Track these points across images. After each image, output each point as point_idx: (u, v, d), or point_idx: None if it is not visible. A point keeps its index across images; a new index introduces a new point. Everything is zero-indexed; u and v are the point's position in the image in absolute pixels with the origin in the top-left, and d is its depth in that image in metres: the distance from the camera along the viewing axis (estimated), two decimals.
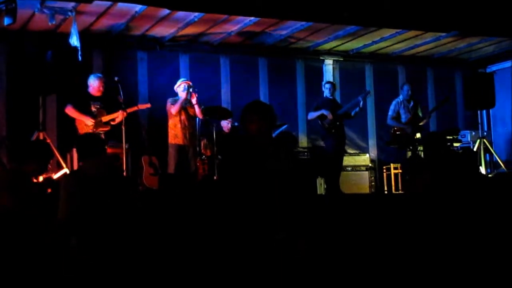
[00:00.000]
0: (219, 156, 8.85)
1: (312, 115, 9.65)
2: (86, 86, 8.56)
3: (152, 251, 4.88)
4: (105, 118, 8.42)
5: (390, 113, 9.95)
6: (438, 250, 4.66)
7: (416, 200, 5.55)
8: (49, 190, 5.65)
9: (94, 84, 8.51)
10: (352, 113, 9.57)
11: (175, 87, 8.99)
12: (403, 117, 9.85)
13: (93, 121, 8.29)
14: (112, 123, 8.48)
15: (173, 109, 8.78)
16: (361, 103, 9.48)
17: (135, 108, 8.64)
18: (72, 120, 8.44)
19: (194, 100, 8.75)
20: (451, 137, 9.72)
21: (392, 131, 9.84)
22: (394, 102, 9.98)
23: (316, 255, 4.56)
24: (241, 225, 4.24)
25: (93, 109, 8.42)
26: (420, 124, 9.88)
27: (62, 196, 4.81)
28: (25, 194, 5.10)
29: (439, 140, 7.53)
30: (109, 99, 8.55)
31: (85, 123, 8.29)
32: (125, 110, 8.32)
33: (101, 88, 8.52)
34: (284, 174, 4.47)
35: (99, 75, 8.68)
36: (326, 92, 9.74)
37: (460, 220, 4.71)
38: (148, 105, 8.99)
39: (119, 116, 8.37)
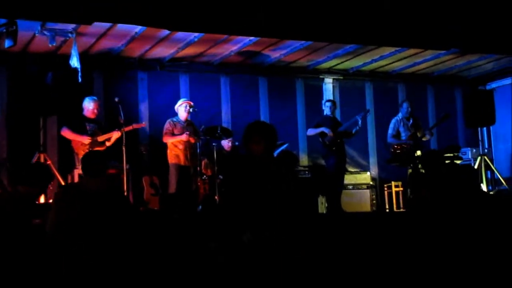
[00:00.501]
0: (220, 176, 8.84)
1: (312, 131, 9.66)
2: (81, 108, 8.59)
3: (153, 270, 4.86)
4: (100, 138, 8.44)
5: (390, 131, 9.95)
6: (439, 267, 4.64)
7: (418, 218, 5.53)
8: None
9: (89, 107, 8.55)
10: (353, 131, 9.58)
11: (176, 106, 9.02)
12: (403, 135, 9.84)
13: (90, 139, 8.29)
14: (107, 143, 8.50)
15: (164, 139, 8.80)
16: (360, 122, 9.49)
17: (130, 128, 8.60)
18: (69, 141, 8.44)
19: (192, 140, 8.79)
20: (451, 155, 9.71)
21: (392, 149, 9.82)
22: (393, 120, 9.99)
23: (318, 274, 4.54)
24: (241, 244, 4.23)
25: (88, 128, 8.45)
26: (423, 139, 9.88)
27: (52, 208, 4.80)
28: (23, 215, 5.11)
29: (438, 158, 7.54)
30: (105, 122, 8.58)
31: (82, 143, 8.28)
32: (120, 130, 8.34)
33: (95, 111, 8.56)
34: (285, 194, 4.48)
35: (94, 98, 8.70)
36: (327, 110, 9.74)
37: (461, 237, 4.70)
38: (143, 124, 9.09)
39: (113, 135, 8.42)
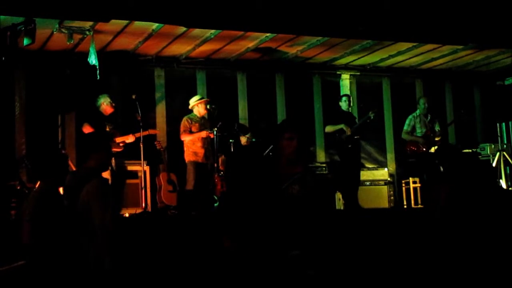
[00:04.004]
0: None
1: (330, 128, 9.61)
2: (96, 106, 8.63)
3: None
4: (118, 139, 8.50)
5: (405, 127, 9.78)
6: (456, 264, 4.62)
7: (436, 214, 5.50)
8: None
9: (104, 104, 8.59)
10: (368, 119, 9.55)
11: (192, 104, 9.01)
12: (419, 132, 9.68)
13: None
14: (121, 144, 8.57)
15: (182, 136, 8.81)
16: (371, 118, 9.46)
17: (145, 133, 8.76)
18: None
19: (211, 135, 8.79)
20: (470, 150, 9.63)
21: (406, 146, 9.75)
22: (410, 117, 9.84)
23: (336, 271, 4.54)
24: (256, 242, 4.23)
25: (108, 129, 8.49)
26: (436, 139, 9.74)
27: None
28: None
29: (454, 153, 7.48)
30: (122, 119, 8.62)
31: None
32: (134, 134, 8.58)
33: (110, 108, 8.62)
34: (304, 198, 4.47)
35: (106, 95, 8.72)
36: (343, 105, 9.70)
37: (479, 234, 4.67)
38: (158, 131, 9.38)
39: (129, 138, 8.63)
